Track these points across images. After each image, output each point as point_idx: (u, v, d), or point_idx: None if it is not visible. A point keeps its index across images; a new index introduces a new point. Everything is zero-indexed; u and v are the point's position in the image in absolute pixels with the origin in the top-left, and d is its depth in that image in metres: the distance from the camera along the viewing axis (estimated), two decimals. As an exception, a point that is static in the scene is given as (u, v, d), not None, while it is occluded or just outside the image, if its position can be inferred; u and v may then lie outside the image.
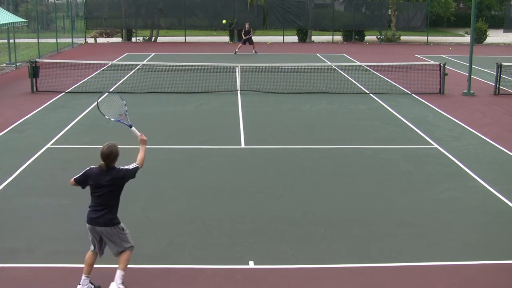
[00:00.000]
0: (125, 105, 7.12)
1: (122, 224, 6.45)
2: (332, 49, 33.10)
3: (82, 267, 6.97)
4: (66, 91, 18.21)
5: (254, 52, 29.90)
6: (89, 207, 6.43)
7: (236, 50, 29.94)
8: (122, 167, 6.43)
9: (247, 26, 30.48)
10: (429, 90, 18.74)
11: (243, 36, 30.46)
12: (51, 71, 20.05)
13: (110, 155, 6.27)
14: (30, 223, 8.27)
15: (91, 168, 6.40)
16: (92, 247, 6.55)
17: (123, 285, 6.33)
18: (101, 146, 6.32)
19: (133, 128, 6.83)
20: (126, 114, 7.05)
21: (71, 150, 11.99)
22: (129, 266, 7.08)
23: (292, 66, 23.48)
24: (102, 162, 6.29)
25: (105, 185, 6.27)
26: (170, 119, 14.75)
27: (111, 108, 7.22)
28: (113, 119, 7.11)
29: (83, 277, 6.42)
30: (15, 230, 8.04)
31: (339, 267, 7.12)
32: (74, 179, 6.44)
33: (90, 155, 11.50)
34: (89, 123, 14.19)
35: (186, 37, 36.97)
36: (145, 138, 6.81)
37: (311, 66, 23.90)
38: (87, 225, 6.43)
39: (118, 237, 6.39)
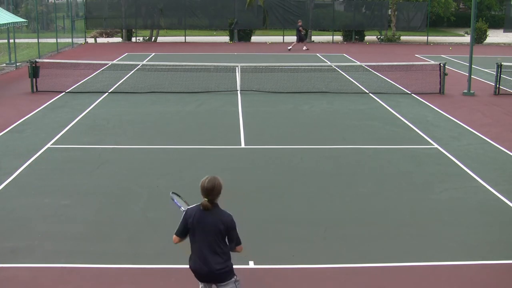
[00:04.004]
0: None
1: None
2: (332, 49, 33.10)
3: (82, 267, 7.00)
4: (66, 91, 18.21)
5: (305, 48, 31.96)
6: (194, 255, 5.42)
7: (290, 47, 31.95)
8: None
9: (300, 22, 32.32)
10: (429, 90, 18.74)
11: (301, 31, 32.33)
12: (51, 71, 20.06)
13: (213, 190, 5.27)
14: (30, 223, 8.27)
15: (188, 208, 5.49)
16: None
17: None
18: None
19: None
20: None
21: (71, 150, 11.99)
22: (129, 266, 7.11)
23: (292, 66, 23.49)
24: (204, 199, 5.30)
25: (210, 229, 5.28)
26: (170, 119, 14.75)
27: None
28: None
29: None
30: (15, 230, 8.04)
31: (339, 267, 7.12)
32: (175, 234, 5.44)
33: (92, 155, 11.56)
34: (89, 123, 14.20)
35: (186, 37, 36.97)
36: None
37: (311, 66, 23.91)
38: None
39: None
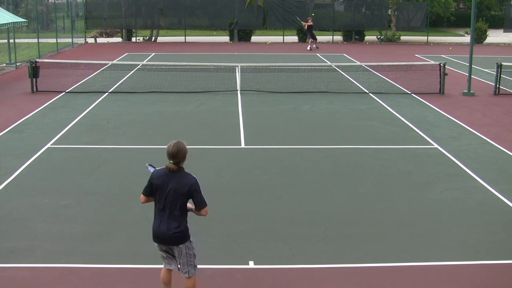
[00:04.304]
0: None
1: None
2: (332, 49, 33.11)
3: (82, 267, 7.00)
4: (66, 91, 18.21)
5: (310, 48, 32.17)
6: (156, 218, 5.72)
7: (314, 46, 32.38)
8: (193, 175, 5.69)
9: (309, 20, 32.45)
10: (429, 90, 18.75)
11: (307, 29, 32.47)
12: (51, 71, 20.06)
13: (178, 153, 5.67)
14: (30, 223, 8.27)
15: (156, 169, 5.79)
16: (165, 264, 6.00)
17: None
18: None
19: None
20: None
21: (71, 150, 11.99)
22: (129, 266, 7.11)
23: (292, 66, 23.49)
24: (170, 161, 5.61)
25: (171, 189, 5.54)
26: (170, 119, 14.75)
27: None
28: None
29: None
30: (15, 230, 8.04)
31: (339, 267, 7.12)
32: (142, 193, 5.79)
33: (92, 155, 11.56)
34: (89, 123, 14.20)
35: (186, 37, 36.97)
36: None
37: (311, 66, 23.91)
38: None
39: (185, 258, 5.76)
